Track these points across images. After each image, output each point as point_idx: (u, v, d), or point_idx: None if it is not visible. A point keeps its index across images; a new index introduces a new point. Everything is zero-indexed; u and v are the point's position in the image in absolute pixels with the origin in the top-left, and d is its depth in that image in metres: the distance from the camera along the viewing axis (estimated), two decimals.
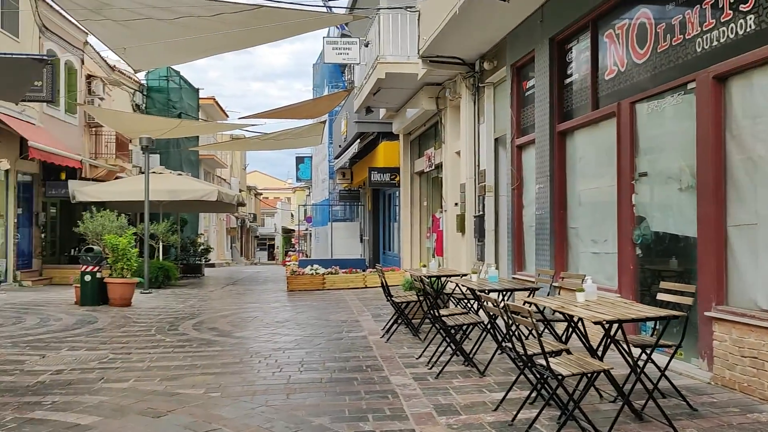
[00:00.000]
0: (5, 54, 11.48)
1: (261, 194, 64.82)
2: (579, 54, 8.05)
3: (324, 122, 20.36)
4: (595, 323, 4.30)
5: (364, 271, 16.75)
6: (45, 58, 10.48)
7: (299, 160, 39.95)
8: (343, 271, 16.38)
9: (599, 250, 7.60)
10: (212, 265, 30.17)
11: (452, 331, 6.35)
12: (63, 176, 18.77)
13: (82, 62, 20.48)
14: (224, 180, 39.80)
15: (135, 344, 7.96)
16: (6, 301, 13.08)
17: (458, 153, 12.51)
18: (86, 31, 12.72)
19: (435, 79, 12.72)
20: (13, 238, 16.96)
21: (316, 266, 16.37)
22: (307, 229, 43.66)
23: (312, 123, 19.36)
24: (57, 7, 14.30)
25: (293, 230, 66.74)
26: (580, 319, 4.80)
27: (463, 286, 7.65)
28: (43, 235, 19.14)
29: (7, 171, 16.32)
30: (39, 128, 17.40)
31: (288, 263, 20.00)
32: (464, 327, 6.39)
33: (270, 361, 6.85)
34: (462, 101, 11.94)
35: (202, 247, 25.14)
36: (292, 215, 70.43)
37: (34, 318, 10.40)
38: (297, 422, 4.56)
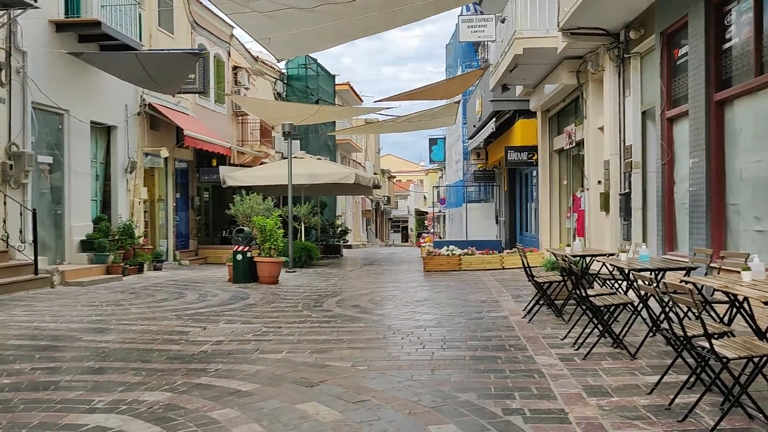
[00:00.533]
0: (165, 50, 12.44)
1: (394, 177, 65.81)
2: (739, 16, 7.41)
3: (458, 102, 20.25)
4: (766, 303, 3.98)
5: (500, 252, 16.56)
6: (199, 51, 11.25)
7: (432, 141, 40.07)
8: (480, 252, 16.28)
9: (763, 227, 7.01)
10: (349, 246, 31.08)
11: (600, 311, 6.13)
12: (214, 163, 20.08)
13: (229, 54, 21.70)
14: (359, 164, 40.78)
15: (284, 319, 8.38)
16: (168, 278, 14.24)
17: (601, 129, 11.98)
18: (233, 24, 13.44)
19: (575, 53, 12.23)
20: (173, 221, 18.39)
21: (452, 247, 16.39)
22: (440, 211, 43.79)
23: (446, 104, 19.33)
24: (207, 3, 15.21)
25: (426, 212, 67.18)
26: (746, 299, 4.46)
27: (611, 265, 7.35)
28: (197, 218, 20.60)
29: (166, 158, 17.68)
30: (192, 118, 18.68)
31: (423, 244, 20.17)
32: (612, 307, 6.15)
33: (412, 338, 6.96)
34: (605, 74, 11.41)
35: (340, 228, 25.96)
36: (424, 197, 70.93)
37: (193, 293, 11.24)
38: (443, 397, 4.61)
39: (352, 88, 34.71)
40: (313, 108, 19.60)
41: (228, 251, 16.30)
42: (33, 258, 11.58)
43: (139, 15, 14.86)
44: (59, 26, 13.10)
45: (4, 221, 11.67)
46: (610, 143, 11.17)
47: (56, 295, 10.70)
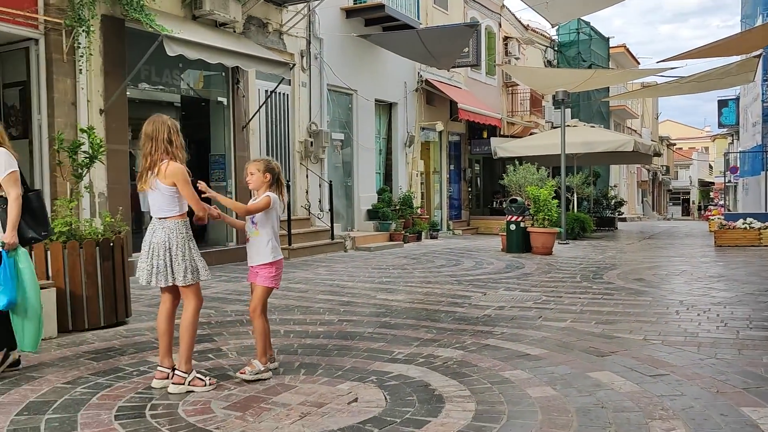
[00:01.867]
0: (444, 26, 12.90)
1: (674, 145, 60.44)
2: None
3: (758, 56, 17.82)
4: None
5: None
6: (475, 24, 11.44)
7: (722, 104, 35.91)
8: None
9: None
10: (623, 219, 29.44)
11: None
12: (485, 135, 20.40)
13: (500, 25, 21.74)
14: (635, 131, 38.24)
15: (563, 289, 8.25)
16: (444, 246, 14.90)
17: None
18: None
19: None
20: (447, 192, 19.14)
21: (750, 220, 14.63)
22: (729, 181, 39.23)
23: (740, 59, 17.12)
24: None
25: (711, 183, 60.78)
26: None
27: None
28: (469, 189, 21.16)
29: (440, 132, 18.41)
30: (465, 91, 19.13)
31: (711, 218, 18.32)
32: None
33: (710, 315, 6.38)
34: None
35: (614, 200, 24.71)
36: (710, 166, 64.15)
37: (469, 261, 11.62)
38: (755, 378, 4.17)
39: (627, 50, 32.59)
40: (586, 73, 18.77)
41: (499, 222, 16.51)
42: (329, 225, 12.94)
43: None
44: (348, 12, 14.31)
45: (307, 192, 13.21)
46: None
47: (349, 258, 11.85)
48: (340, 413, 3.63)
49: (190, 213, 4.10)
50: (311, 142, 13.13)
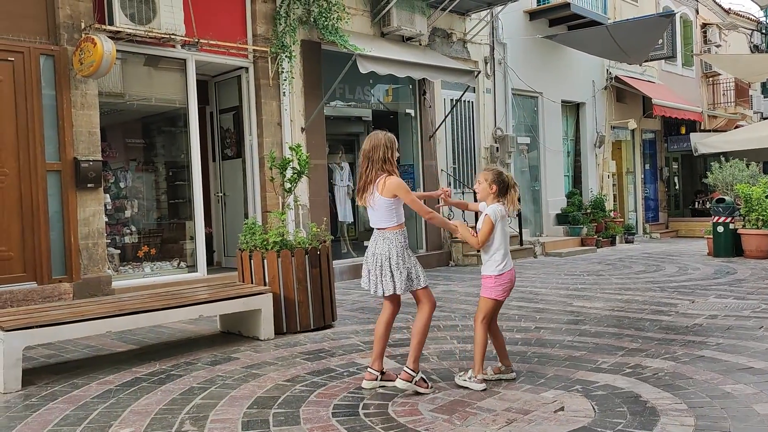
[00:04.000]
0: (635, 18, 12.25)
1: None
2: None
3: None
4: None
5: None
6: (670, 13, 10.72)
7: None
8: None
9: None
10: None
11: None
12: (683, 130, 19.01)
13: (697, 12, 20.16)
14: None
15: None
16: (641, 250, 14.07)
17: None
18: None
19: None
20: (642, 193, 18.08)
21: None
22: None
23: None
24: None
25: None
26: None
27: None
28: (666, 190, 19.80)
29: (633, 130, 17.44)
30: (659, 86, 17.97)
31: None
32: None
33: None
34: None
35: None
36: None
37: (672, 266, 10.86)
38: None
39: None
40: None
41: (702, 223, 15.30)
42: (518, 230, 12.79)
43: None
44: (532, 15, 14.09)
45: None
46: None
47: (540, 264, 11.61)
48: (547, 421, 3.59)
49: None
50: (497, 148, 13.08)
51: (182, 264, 8.82)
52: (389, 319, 4.36)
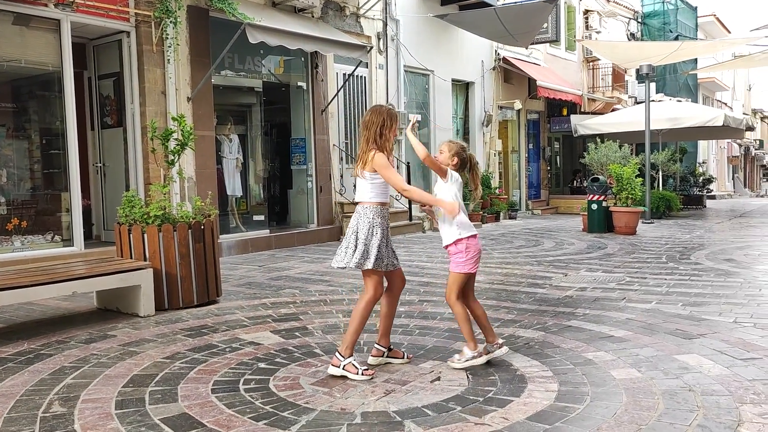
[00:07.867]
0: (522, 2, 12.69)
1: None
2: None
3: None
4: None
5: None
6: None
7: None
8: None
9: None
10: (713, 197, 28.18)
11: None
12: (564, 112, 19.94)
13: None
14: (724, 104, 36.41)
15: (648, 270, 8.05)
16: (522, 226, 14.74)
17: None
18: None
19: None
20: (525, 171, 18.87)
21: None
22: None
23: None
24: None
25: None
26: None
27: None
28: (548, 168, 20.78)
29: (518, 110, 18.12)
30: (544, 68, 18.73)
31: None
32: None
33: None
34: None
35: (702, 177, 23.68)
36: None
37: (550, 241, 11.47)
38: None
39: (718, 19, 30.92)
40: (672, 46, 18.02)
41: (579, 201, 16.19)
42: (408, 206, 13.03)
43: None
44: None
45: None
46: None
47: (427, 239, 11.92)
48: (423, 391, 3.73)
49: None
50: None
51: (57, 238, 8.36)
52: (389, 298, 4.27)
